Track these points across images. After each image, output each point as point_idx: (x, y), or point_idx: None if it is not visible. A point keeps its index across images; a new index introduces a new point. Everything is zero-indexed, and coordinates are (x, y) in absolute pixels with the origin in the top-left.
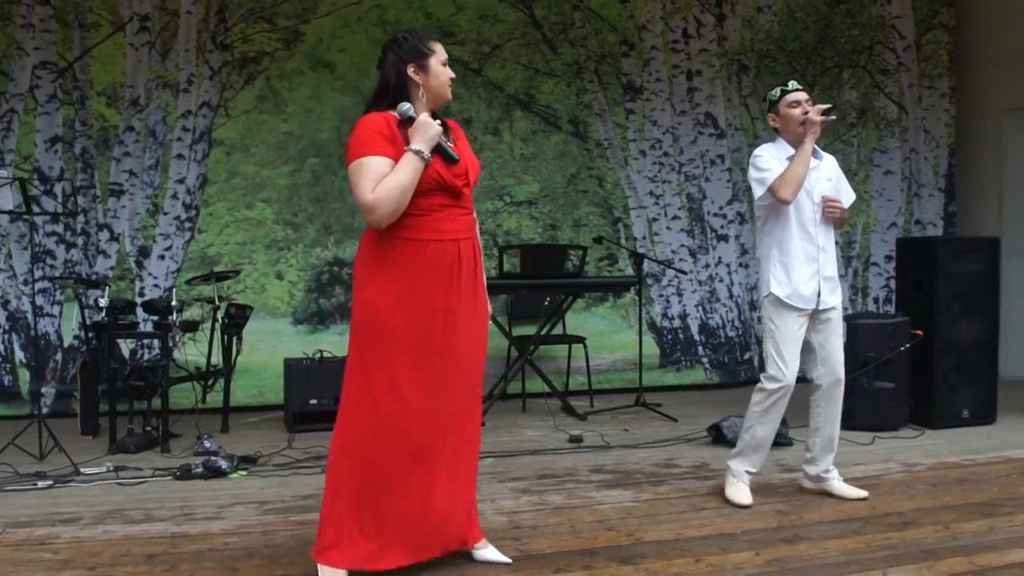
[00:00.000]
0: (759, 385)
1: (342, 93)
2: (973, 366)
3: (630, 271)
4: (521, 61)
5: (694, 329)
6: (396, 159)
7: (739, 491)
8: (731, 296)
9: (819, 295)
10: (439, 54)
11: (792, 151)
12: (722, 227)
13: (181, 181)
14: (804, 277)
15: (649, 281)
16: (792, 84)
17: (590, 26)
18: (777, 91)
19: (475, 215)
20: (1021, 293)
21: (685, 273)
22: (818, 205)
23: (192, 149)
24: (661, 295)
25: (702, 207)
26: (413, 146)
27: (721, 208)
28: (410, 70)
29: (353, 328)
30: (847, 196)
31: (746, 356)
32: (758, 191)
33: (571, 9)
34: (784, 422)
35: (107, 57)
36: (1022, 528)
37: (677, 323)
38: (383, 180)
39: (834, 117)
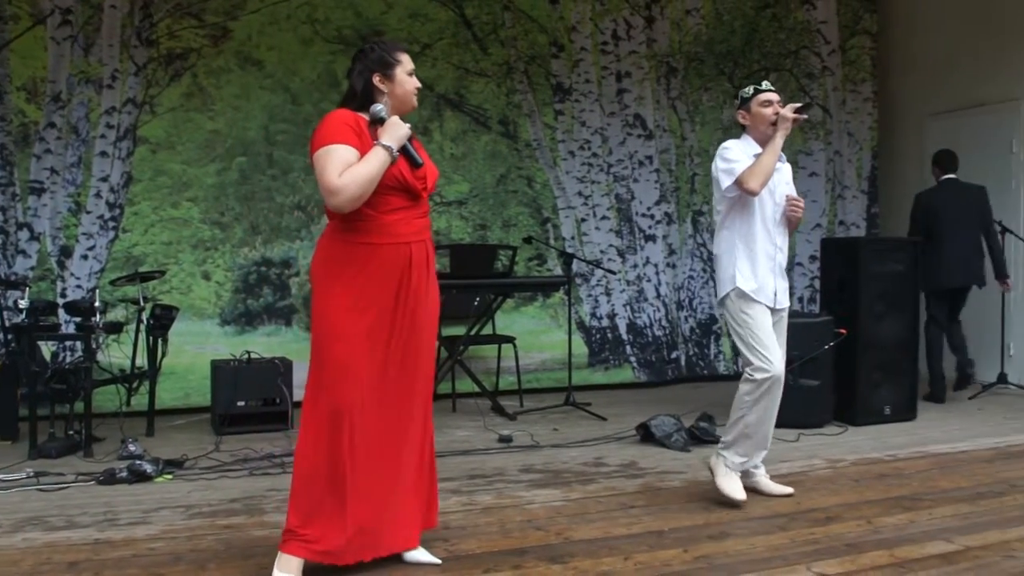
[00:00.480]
0: (746, 376)
1: (271, 91)
2: (894, 364)
3: (559, 271)
4: (451, 61)
5: (622, 328)
6: (362, 154)
7: (732, 483)
8: (659, 296)
9: (776, 294)
10: (405, 64)
11: (758, 148)
12: (650, 227)
13: (105, 179)
14: (766, 274)
15: (578, 281)
16: (765, 84)
17: (520, 27)
18: (750, 89)
19: (429, 218)
20: None
21: (614, 273)
22: (779, 205)
23: (116, 147)
24: (590, 295)
25: (631, 208)
26: (383, 141)
27: (649, 209)
28: (376, 79)
29: (311, 331)
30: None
31: (673, 355)
32: (725, 181)
33: (501, 9)
34: (711, 419)
35: (27, 51)
36: (941, 521)
37: (605, 322)
38: (350, 167)
39: (806, 117)
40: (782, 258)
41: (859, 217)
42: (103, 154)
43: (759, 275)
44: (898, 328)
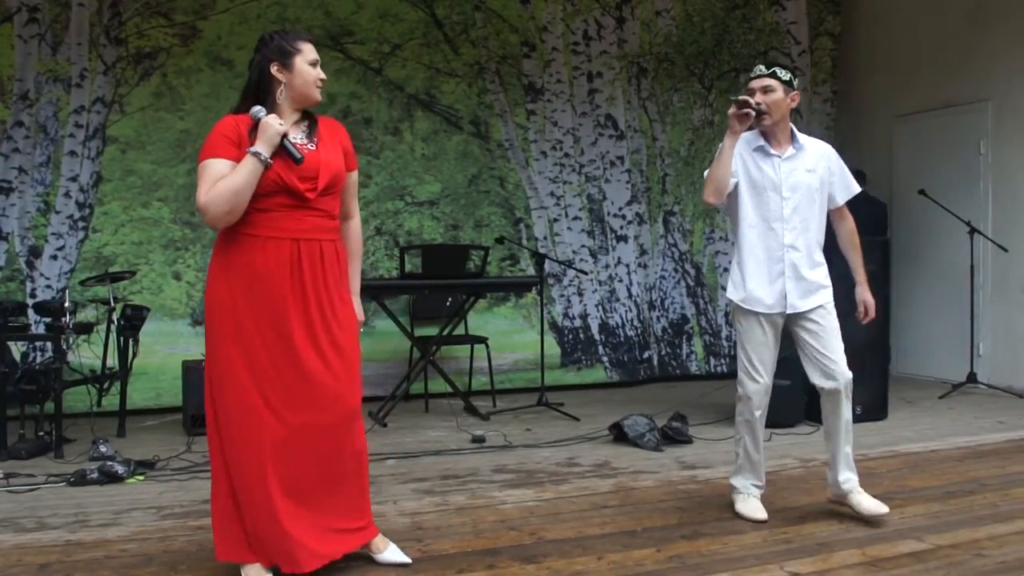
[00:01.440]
0: (737, 395)
1: (240, 91)
2: (865, 364)
3: (532, 271)
4: (422, 61)
5: (594, 329)
6: (240, 161)
7: (751, 506)
8: (630, 296)
9: (786, 298)
10: (307, 54)
11: (760, 140)
12: (622, 228)
13: (74, 179)
14: (764, 278)
15: (550, 281)
16: (757, 70)
17: (491, 27)
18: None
19: (333, 220)
20: (910, 293)
21: (586, 273)
22: (788, 198)
23: (85, 146)
24: (562, 295)
25: (602, 208)
26: (252, 148)
27: (621, 209)
28: (273, 68)
29: (205, 324)
30: (842, 192)
31: (645, 355)
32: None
33: (472, 9)
34: (683, 419)
35: None
36: (912, 520)
37: (578, 323)
38: (219, 182)
39: (748, 112)
40: (796, 257)
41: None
42: (72, 153)
43: (750, 281)
44: (868, 328)
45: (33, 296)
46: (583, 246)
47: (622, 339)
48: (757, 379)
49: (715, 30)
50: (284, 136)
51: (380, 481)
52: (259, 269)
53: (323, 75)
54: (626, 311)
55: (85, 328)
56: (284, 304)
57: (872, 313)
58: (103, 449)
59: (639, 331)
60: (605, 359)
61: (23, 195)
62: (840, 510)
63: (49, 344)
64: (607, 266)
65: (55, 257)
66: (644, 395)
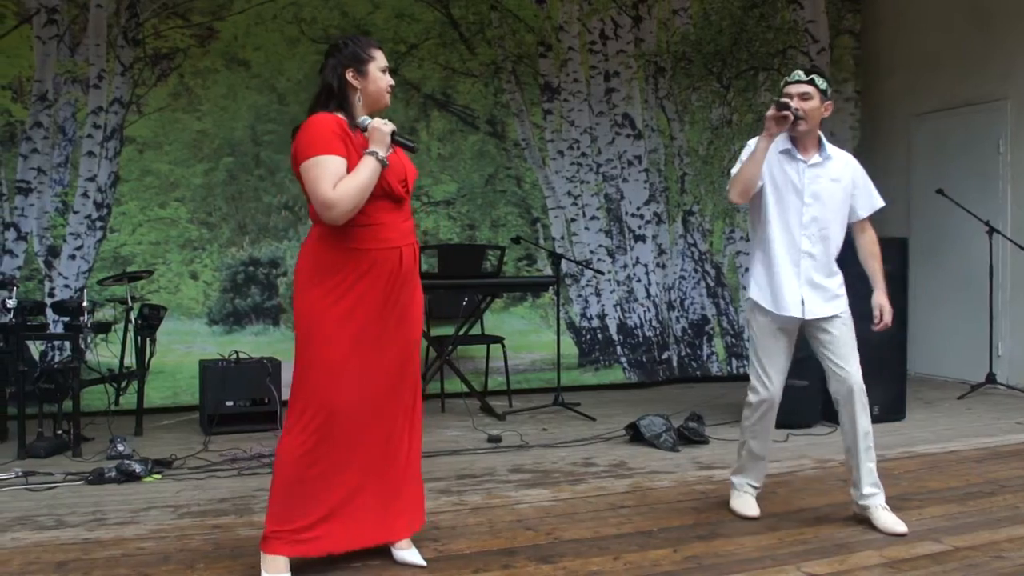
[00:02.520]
0: (746, 399)
1: (257, 91)
2: (883, 364)
3: (549, 271)
4: (438, 61)
5: (612, 329)
6: (349, 159)
7: (744, 502)
8: (649, 296)
9: (803, 304)
10: (379, 60)
11: (788, 144)
12: (640, 227)
13: (92, 179)
14: (783, 283)
15: (568, 281)
16: (795, 75)
17: (507, 26)
18: (783, 83)
19: (413, 220)
20: (928, 293)
21: (602, 273)
22: (811, 205)
23: (103, 146)
24: (580, 295)
25: (620, 207)
26: (371, 148)
27: (639, 208)
28: (349, 75)
29: (298, 337)
30: (866, 205)
31: (664, 356)
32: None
33: (488, 9)
34: (700, 419)
35: (12, 50)
36: (930, 521)
37: (596, 323)
38: (344, 179)
39: (787, 114)
40: (813, 264)
41: None
42: (90, 154)
43: (773, 284)
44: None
45: (51, 295)
46: (600, 246)
47: (640, 339)
48: (768, 386)
49: (733, 29)
50: (394, 133)
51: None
52: (364, 282)
53: (392, 81)
54: (644, 311)
55: (103, 327)
56: (378, 316)
57: (888, 319)
58: (120, 448)
59: (658, 332)
60: (623, 359)
61: (42, 195)
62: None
63: (67, 343)
64: (625, 266)
65: (73, 257)
66: (661, 396)
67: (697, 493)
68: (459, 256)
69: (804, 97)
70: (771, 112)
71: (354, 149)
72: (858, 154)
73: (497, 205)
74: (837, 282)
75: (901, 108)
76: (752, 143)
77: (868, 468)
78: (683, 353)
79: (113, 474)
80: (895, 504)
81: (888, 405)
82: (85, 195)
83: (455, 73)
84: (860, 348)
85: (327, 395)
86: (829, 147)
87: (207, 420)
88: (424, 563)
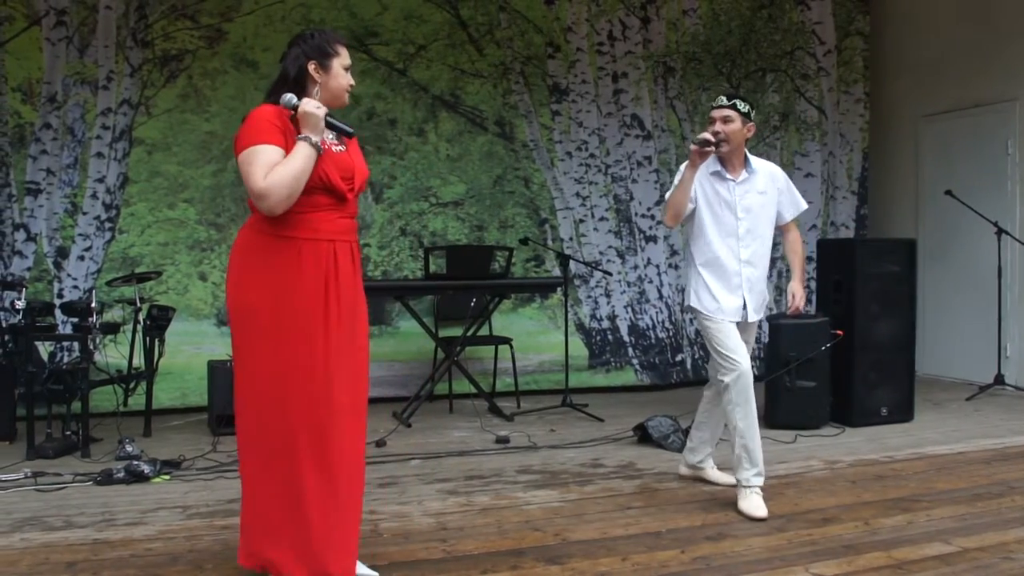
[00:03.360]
0: (723, 384)
1: (266, 93)
2: (891, 365)
3: (557, 272)
4: (447, 62)
5: (623, 330)
6: (288, 150)
7: (752, 503)
8: (661, 297)
9: (744, 308)
10: (343, 57)
11: (717, 165)
12: (650, 228)
13: (101, 180)
14: (726, 292)
15: (577, 282)
16: (719, 99)
17: (516, 27)
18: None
19: (356, 221)
20: (936, 294)
21: (610, 274)
22: (743, 219)
23: (112, 148)
24: (589, 296)
25: (629, 208)
26: (303, 132)
27: (649, 209)
28: (311, 66)
29: (232, 331)
30: (790, 209)
31: (678, 358)
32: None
33: (497, 10)
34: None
35: (22, 52)
36: (939, 522)
37: (606, 324)
38: (276, 167)
39: (711, 150)
40: (751, 272)
41: (849, 218)
42: (99, 155)
43: (718, 294)
44: (894, 329)
45: (60, 296)
46: (610, 247)
47: (653, 341)
48: (737, 359)
49: (741, 29)
50: (327, 115)
51: (404, 481)
52: (297, 272)
53: (353, 82)
54: (657, 312)
55: (112, 328)
56: (314, 307)
57: (800, 303)
58: (129, 448)
59: (671, 333)
60: (635, 361)
61: (51, 196)
62: (861, 513)
63: (76, 344)
64: (635, 267)
65: (82, 258)
66: (671, 397)
67: (705, 494)
68: (467, 257)
69: (726, 120)
70: (695, 148)
71: (293, 140)
72: (868, 155)
73: (505, 206)
74: (764, 285)
75: (910, 109)
76: (683, 166)
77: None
78: (696, 355)
79: (122, 475)
80: (903, 506)
81: (896, 406)
82: (94, 196)
83: (464, 74)
84: (869, 350)
85: (262, 393)
86: (754, 162)
87: (216, 421)
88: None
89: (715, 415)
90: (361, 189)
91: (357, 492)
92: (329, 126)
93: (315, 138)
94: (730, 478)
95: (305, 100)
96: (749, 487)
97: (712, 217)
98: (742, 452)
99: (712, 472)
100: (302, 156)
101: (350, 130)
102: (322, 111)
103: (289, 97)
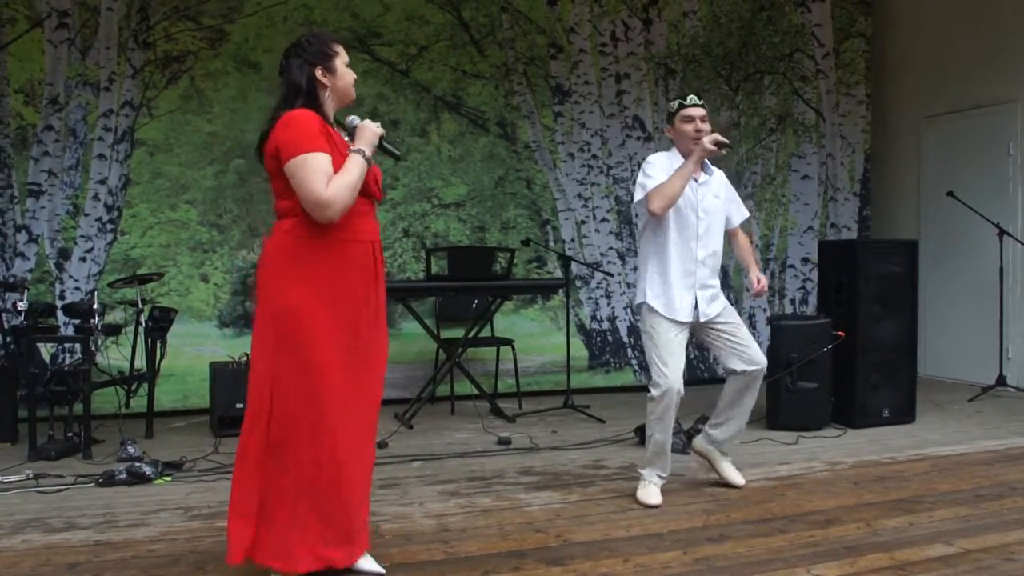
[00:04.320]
0: (649, 394)
1: (268, 94)
2: (893, 366)
3: (559, 273)
4: (449, 63)
5: (623, 331)
6: (333, 156)
7: (648, 492)
8: None
9: (696, 307)
10: (342, 55)
11: (682, 161)
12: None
13: (103, 182)
14: (680, 290)
15: (578, 283)
16: (690, 99)
17: (518, 28)
18: (675, 104)
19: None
20: (938, 295)
21: (612, 275)
22: (702, 219)
23: (114, 149)
24: (590, 297)
25: (630, 210)
26: (359, 145)
27: None
28: (318, 73)
29: (275, 334)
30: (738, 215)
31: None
32: (638, 195)
33: (499, 11)
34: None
35: (24, 53)
36: (940, 523)
37: (606, 325)
38: (335, 177)
39: (724, 152)
40: (705, 272)
41: (851, 219)
42: (101, 156)
43: (670, 292)
44: (896, 330)
45: (62, 298)
46: (611, 248)
47: None
48: (668, 375)
49: (741, 32)
50: (381, 137)
51: (406, 483)
52: (343, 272)
53: (355, 75)
54: None
55: (113, 330)
56: (360, 305)
57: (763, 285)
58: (131, 450)
59: None
60: (634, 362)
61: (52, 198)
62: (863, 515)
63: (78, 346)
64: (635, 268)
65: (84, 259)
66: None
67: (707, 495)
68: (469, 258)
69: (704, 119)
70: (710, 148)
71: (334, 146)
72: (869, 157)
73: (507, 207)
74: (718, 283)
75: (911, 111)
76: (654, 160)
77: (738, 432)
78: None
79: (123, 476)
80: (905, 507)
81: (898, 407)
82: (96, 198)
83: (466, 75)
84: (870, 351)
85: (319, 397)
86: (710, 165)
87: (217, 422)
88: (382, 571)
89: (741, 405)
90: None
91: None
92: (382, 147)
93: (367, 151)
94: (739, 478)
95: (366, 120)
96: (648, 480)
97: (676, 216)
98: (655, 457)
99: (724, 464)
100: (359, 168)
101: (398, 153)
102: (380, 130)
103: (352, 119)
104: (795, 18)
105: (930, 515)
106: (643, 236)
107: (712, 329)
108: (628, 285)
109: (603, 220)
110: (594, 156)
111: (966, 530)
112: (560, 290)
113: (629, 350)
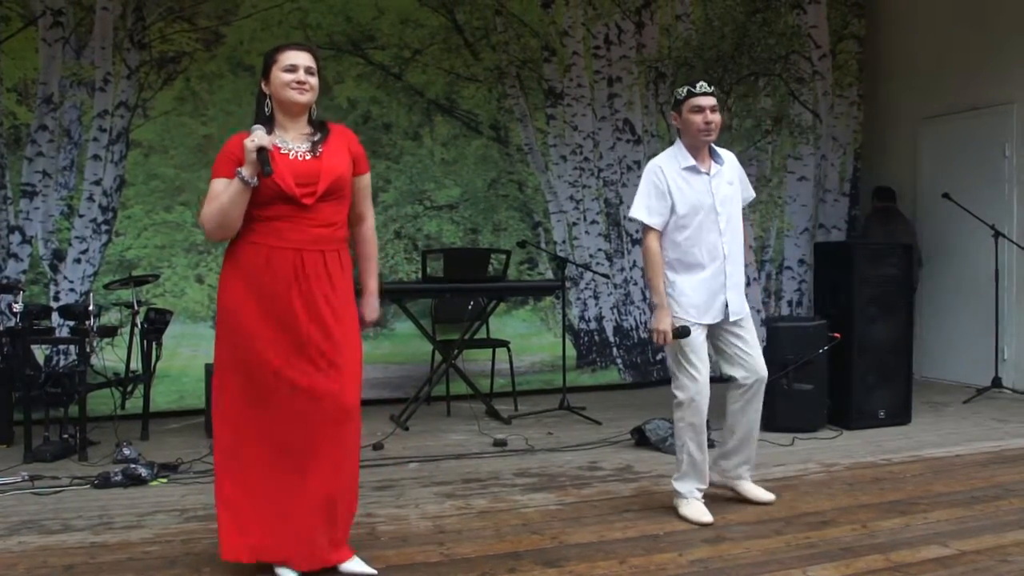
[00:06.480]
0: (676, 400)
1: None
2: (889, 368)
3: (550, 275)
4: (442, 66)
5: (609, 331)
6: (275, 162)
7: (694, 509)
8: (644, 298)
9: (727, 307)
10: (282, 61)
11: (691, 160)
12: (637, 231)
13: (97, 183)
14: (711, 293)
15: (568, 284)
16: (700, 86)
17: (512, 31)
18: (684, 90)
19: (343, 229)
20: (934, 296)
21: (607, 277)
22: (721, 213)
23: (109, 150)
24: (579, 298)
25: (619, 212)
26: (239, 168)
27: None
28: (263, 84)
29: (216, 330)
30: (746, 195)
31: (658, 357)
32: (635, 213)
33: (493, 14)
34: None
35: (18, 52)
36: (936, 525)
37: (593, 325)
38: (207, 204)
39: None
40: (732, 268)
41: (840, 220)
42: (96, 157)
43: (702, 296)
44: (892, 331)
45: (57, 299)
46: (600, 249)
47: (635, 341)
48: (699, 378)
49: (735, 34)
50: (260, 150)
51: (402, 485)
52: (266, 277)
53: (299, 76)
54: (640, 313)
55: (109, 331)
56: (292, 311)
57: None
58: (127, 452)
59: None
60: (619, 361)
61: (47, 199)
62: (859, 516)
63: (73, 347)
64: (622, 269)
65: (79, 260)
66: (663, 398)
67: (704, 497)
68: (465, 260)
69: (714, 109)
70: (668, 340)
71: (273, 160)
72: (859, 156)
73: (499, 209)
74: (745, 276)
75: (907, 112)
76: (654, 169)
77: (748, 459)
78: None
79: (119, 478)
80: (901, 508)
81: (894, 409)
82: (91, 199)
83: (459, 78)
84: (866, 353)
85: (238, 392)
86: (719, 152)
87: (213, 424)
88: (375, 572)
89: (747, 414)
90: (333, 192)
91: (319, 486)
92: (260, 160)
93: (244, 172)
94: (765, 494)
95: (254, 135)
96: (692, 497)
97: (694, 215)
98: (690, 468)
99: (746, 486)
100: (230, 191)
101: (269, 169)
102: (251, 145)
103: (253, 129)
104: (791, 19)
105: (926, 516)
106: (664, 246)
107: (725, 331)
108: (614, 286)
109: (593, 222)
110: (586, 159)
111: (962, 531)
112: (555, 291)
113: (614, 349)
